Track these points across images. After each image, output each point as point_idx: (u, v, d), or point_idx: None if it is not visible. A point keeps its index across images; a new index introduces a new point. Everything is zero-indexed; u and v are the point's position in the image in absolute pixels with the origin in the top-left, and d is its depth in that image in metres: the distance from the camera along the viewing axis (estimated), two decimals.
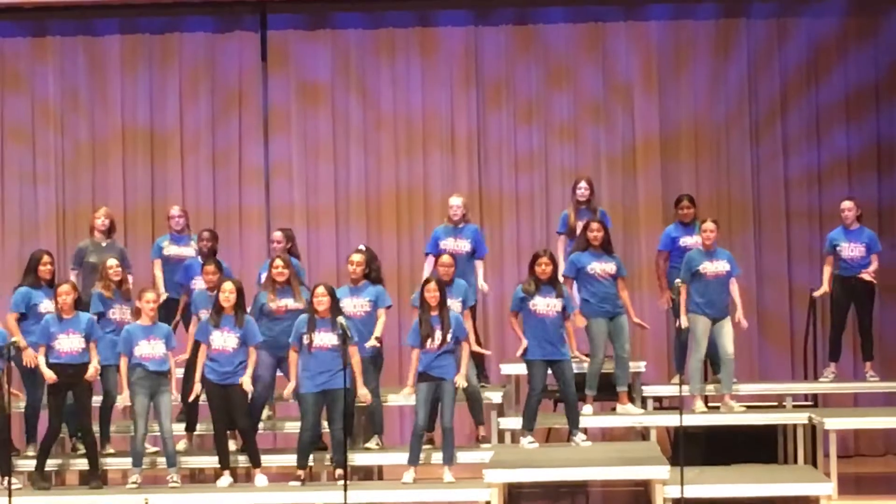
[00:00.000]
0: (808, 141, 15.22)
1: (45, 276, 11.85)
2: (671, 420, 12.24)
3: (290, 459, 11.35)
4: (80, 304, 11.39)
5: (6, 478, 10.96)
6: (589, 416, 12.10)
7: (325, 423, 11.33)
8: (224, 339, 11.18)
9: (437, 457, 11.17)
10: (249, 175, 15.48)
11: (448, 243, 12.47)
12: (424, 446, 11.25)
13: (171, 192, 15.30)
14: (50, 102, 15.54)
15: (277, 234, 12.50)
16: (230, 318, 11.19)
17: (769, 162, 15.24)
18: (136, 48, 15.52)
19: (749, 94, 15.26)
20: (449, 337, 11.02)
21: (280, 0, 15.43)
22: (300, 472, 11.15)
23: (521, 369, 12.18)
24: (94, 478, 11.27)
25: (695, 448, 11.91)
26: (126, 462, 11.43)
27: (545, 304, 11.51)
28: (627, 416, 12.24)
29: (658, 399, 12.93)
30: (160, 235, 13.39)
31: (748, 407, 12.47)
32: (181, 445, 11.90)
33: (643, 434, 12.35)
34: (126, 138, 15.49)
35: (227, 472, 11.26)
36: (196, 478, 12.39)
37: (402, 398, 11.50)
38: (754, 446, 12.23)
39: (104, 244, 12.53)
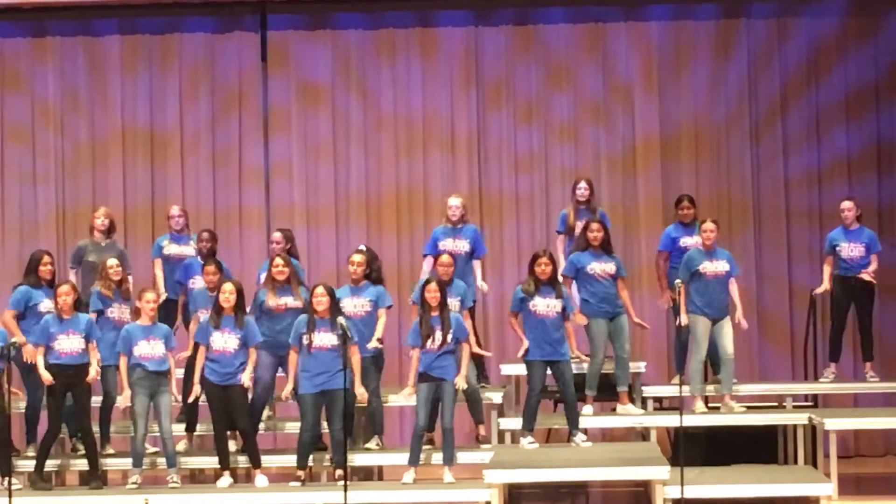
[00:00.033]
0: (808, 141, 15.23)
1: (45, 277, 11.86)
2: (671, 420, 12.24)
3: (291, 460, 11.35)
4: (79, 306, 11.39)
5: (6, 478, 10.96)
6: (589, 417, 12.10)
7: (325, 424, 11.33)
8: (225, 341, 11.18)
9: (438, 457, 11.17)
10: (249, 175, 15.48)
11: (447, 244, 12.47)
12: (424, 447, 11.25)
13: (171, 192, 15.29)
14: (50, 103, 15.54)
15: (277, 235, 12.50)
16: (230, 318, 11.20)
17: (769, 162, 15.24)
18: (136, 48, 15.52)
19: (749, 94, 15.27)
20: (449, 337, 11.02)
21: (280, 0, 15.42)
22: (300, 473, 11.15)
23: (520, 370, 12.18)
24: (94, 478, 11.27)
25: (695, 448, 11.91)
26: (126, 462, 11.43)
27: (545, 305, 11.51)
28: (627, 416, 12.24)
29: (658, 399, 12.93)
30: (160, 236, 13.38)
31: (748, 407, 12.46)
32: (181, 446, 11.90)
33: (643, 434, 12.36)
34: (126, 139, 15.49)
35: (227, 473, 11.26)
36: (196, 478, 12.39)
37: (403, 398, 11.49)
38: (754, 447, 12.23)
39: (104, 244, 12.53)
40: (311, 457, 11.22)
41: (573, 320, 11.77)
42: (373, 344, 11.53)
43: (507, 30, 15.44)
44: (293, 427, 11.63)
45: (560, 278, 11.86)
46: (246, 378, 11.18)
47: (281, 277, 11.60)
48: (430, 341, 11.01)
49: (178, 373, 11.74)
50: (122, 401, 11.35)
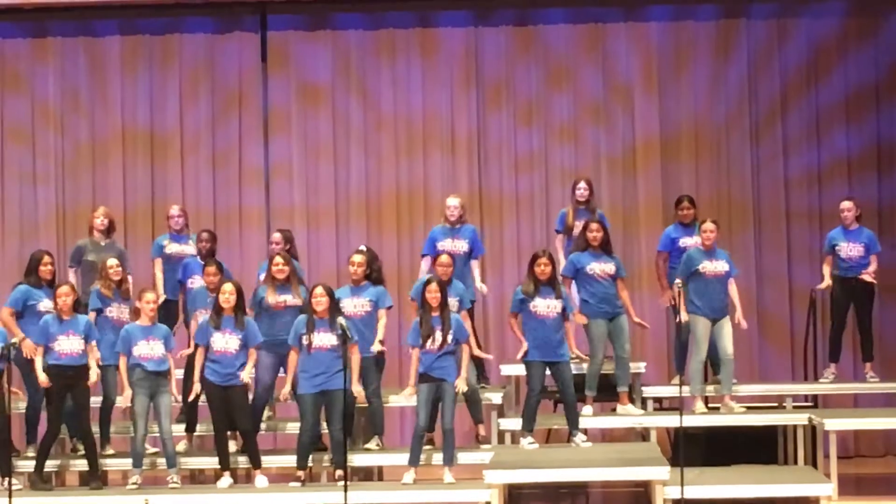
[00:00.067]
0: (808, 141, 15.23)
1: (45, 277, 11.86)
2: (671, 421, 12.24)
3: (291, 460, 11.35)
4: (77, 306, 11.39)
5: (6, 479, 10.96)
6: (589, 417, 12.09)
7: (325, 424, 11.34)
8: (226, 341, 11.18)
9: (438, 458, 11.17)
10: (249, 176, 15.49)
11: (446, 244, 12.47)
12: (425, 447, 11.25)
13: (171, 192, 15.30)
14: (50, 103, 15.55)
15: (276, 236, 12.50)
16: (230, 319, 11.20)
17: (769, 162, 15.24)
18: (137, 49, 15.52)
19: (749, 94, 15.27)
20: (449, 338, 11.02)
21: (280, 1, 15.43)
22: (300, 473, 11.15)
23: (520, 370, 12.18)
24: (94, 478, 11.27)
25: (695, 449, 11.91)
26: (126, 463, 11.43)
27: (545, 306, 11.51)
28: (627, 416, 12.24)
29: (658, 400, 12.94)
30: (159, 236, 13.38)
31: (748, 408, 12.46)
32: (181, 446, 11.90)
33: (643, 435, 12.36)
34: (126, 139, 15.50)
35: (227, 473, 11.26)
36: (196, 479, 12.39)
37: (404, 399, 11.49)
38: (754, 447, 12.23)
39: (103, 243, 12.53)
40: (310, 457, 11.22)
41: (573, 320, 11.77)
42: (376, 347, 11.53)
43: (507, 30, 15.44)
44: (293, 427, 11.64)
45: (560, 278, 11.87)
46: (246, 375, 11.19)
47: (281, 276, 11.61)
48: (430, 341, 11.01)
49: (178, 373, 11.74)
50: (123, 401, 11.35)
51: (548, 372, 11.61)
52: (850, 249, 12.86)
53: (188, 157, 15.53)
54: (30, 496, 11.03)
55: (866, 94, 15.19)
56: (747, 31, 15.32)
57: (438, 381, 11.02)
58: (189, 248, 12.68)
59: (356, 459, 11.52)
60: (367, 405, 11.69)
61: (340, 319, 11.01)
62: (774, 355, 15.03)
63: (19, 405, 11.91)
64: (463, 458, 11.34)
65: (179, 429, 11.97)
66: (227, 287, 11.25)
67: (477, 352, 11.87)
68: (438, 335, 11.00)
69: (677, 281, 11.75)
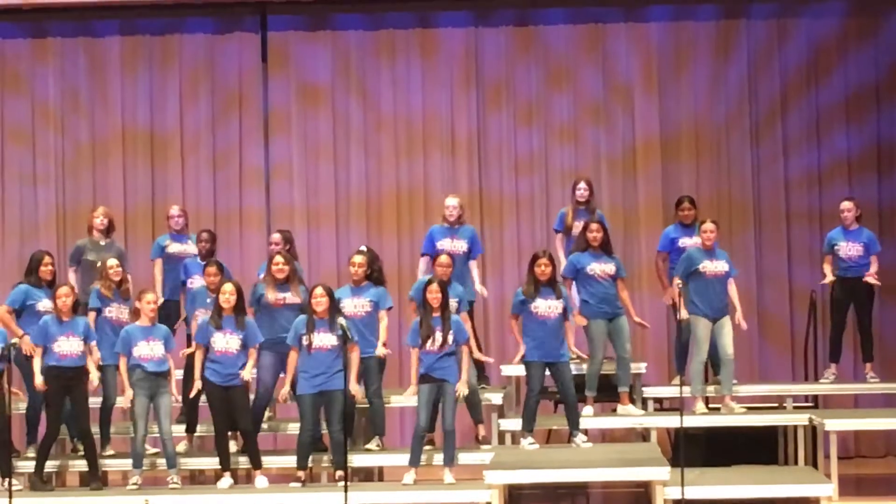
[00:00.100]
0: (808, 142, 15.23)
1: (45, 277, 11.87)
2: (671, 421, 12.24)
3: (291, 461, 11.35)
4: (76, 308, 11.38)
5: (6, 479, 10.97)
6: (589, 418, 12.09)
7: (325, 425, 11.33)
8: (226, 342, 11.18)
9: (438, 458, 11.17)
10: (250, 176, 15.49)
11: (445, 243, 12.47)
12: (425, 448, 11.24)
13: (172, 193, 15.30)
14: (50, 103, 15.55)
15: (276, 236, 12.49)
16: (231, 319, 11.20)
17: (769, 163, 15.24)
18: (137, 49, 15.53)
19: (749, 94, 15.27)
20: (450, 339, 11.02)
21: (280, 1, 15.42)
22: (300, 474, 11.15)
23: (521, 371, 12.17)
24: (94, 479, 11.27)
25: (695, 449, 11.90)
26: (126, 463, 11.43)
27: (546, 306, 11.51)
28: (628, 417, 12.24)
29: (658, 400, 12.93)
30: (160, 236, 13.38)
31: (748, 408, 12.46)
32: (181, 447, 11.90)
33: (643, 435, 12.36)
34: (126, 139, 15.50)
35: (227, 474, 11.26)
36: (196, 479, 12.38)
37: (406, 398, 11.47)
38: (755, 447, 12.23)
39: (103, 243, 12.54)
40: (311, 457, 11.22)
41: (572, 322, 11.76)
42: (382, 351, 11.53)
43: (507, 30, 15.44)
44: (294, 428, 11.63)
45: (560, 279, 11.87)
46: (247, 374, 11.20)
47: (281, 276, 11.61)
48: (429, 342, 11.01)
49: (178, 373, 11.74)
50: (124, 402, 11.34)
51: (547, 372, 11.60)
52: (849, 249, 12.86)
53: (188, 157, 15.53)
54: (30, 497, 11.03)
55: (866, 94, 15.19)
56: (747, 31, 15.31)
57: (439, 382, 11.02)
58: (191, 248, 12.69)
59: (356, 460, 11.52)
60: (367, 405, 11.69)
61: (341, 320, 11.01)
62: (775, 356, 15.03)
63: (19, 406, 11.90)
64: (463, 458, 11.34)
65: (180, 429, 11.97)
66: (228, 287, 11.26)
67: (477, 354, 11.86)
68: (438, 336, 11.00)
69: (677, 281, 11.75)
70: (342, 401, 11.00)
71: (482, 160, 15.41)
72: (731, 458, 11.89)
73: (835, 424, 11.52)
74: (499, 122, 15.43)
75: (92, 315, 11.63)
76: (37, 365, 11.21)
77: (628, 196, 15.27)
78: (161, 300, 12.15)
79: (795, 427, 12.12)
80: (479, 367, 12.21)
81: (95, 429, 11.63)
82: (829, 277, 12.89)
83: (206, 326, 11.25)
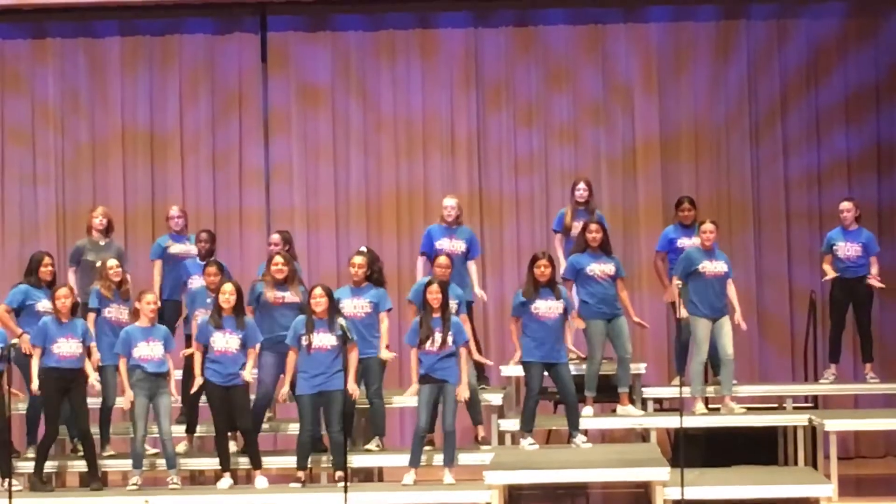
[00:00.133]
0: (808, 142, 15.22)
1: (45, 278, 11.88)
2: (671, 422, 12.24)
3: (291, 461, 11.35)
4: (75, 310, 11.39)
5: (6, 480, 10.97)
6: (589, 418, 12.09)
7: (325, 425, 11.34)
8: (226, 341, 11.18)
9: (438, 459, 11.17)
10: (249, 176, 15.49)
11: (444, 243, 12.48)
12: (425, 448, 11.24)
13: (171, 193, 15.30)
14: (50, 104, 15.55)
15: (275, 237, 12.49)
16: (231, 319, 11.20)
17: (769, 163, 15.24)
18: (136, 50, 15.53)
19: (749, 95, 15.27)
20: (449, 340, 11.02)
21: (280, 2, 15.42)
22: (300, 474, 11.15)
23: (521, 371, 12.15)
24: (94, 479, 11.27)
25: (695, 450, 11.90)
26: (126, 464, 11.44)
27: (547, 307, 11.50)
28: (628, 417, 12.24)
29: (658, 401, 12.93)
30: (160, 237, 13.39)
31: (748, 408, 12.45)
32: (181, 447, 11.91)
33: (643, 436, 12.36)
34: (126, 140, 15.50)
35: (227, 474, 11.27)
36: (196, 479, 12.38)
37: (408, 398, 11.45)
38: (754, 448, 12.23)
39: (102, 243, 12.54)
40: (310, 458, 11.22)
41: (570, 324, 11.73)
42: (386, 355, 11.52)
43: (506, 31, 15.44)
44: (294, 428, 11.63)
45: (560, 280, 11.87)
46: (247, 374, 11.20)
47: (280, 276, 11.61)
48: (428, 342, 11.01)
49: (177, 374, 11.74)
50: (124, 403, 11.33)
51: (546, 373, 11.60)
52: (847, 249, 12.86)
53: (188, 157, 15.53)
54: (30, 497, 11.04)
55: (866, 94, 15.19)
56: (747, 31, 15.31)
57: (440, 383, 11.02)
58: (191, 249, 12.69)
59: (356, 460, 11.52)
60: (366, 406, 11.69)
61: (341, 320, 11.01)
62: (774, 356, 15.03)
63: (19, 406, 11.90)
64: (463, 458, 11.34)
65: (180, 430, 11.97)
66: (228, 287, 11.26)
67: (477, 356, 11.85)
68: (438, 336, 11.00)
69: (677, 281, 11.75)
70: (341, 401, 11.01)
71: (482, 160, 15.41)
72: (731, 458, 11.89)
73: (834, 425, 11.53)
74: (499, 122, 15.43)
75: (92, 316, 11.63)
76: (34, 367, 11.21)
77: (628, 196, 15.27)
78: (157, 304, 12.15)
79: (795, 427, 12.12)
80: (479, 368, 12.21)
81: (95, 429, 11.63)
82: (831, 274, 12.87)
83: (206, 326, 11.25)
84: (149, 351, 11.20)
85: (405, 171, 15.43)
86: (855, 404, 14.19)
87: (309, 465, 11.25)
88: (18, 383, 11.84)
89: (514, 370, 12.55)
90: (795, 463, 12.07)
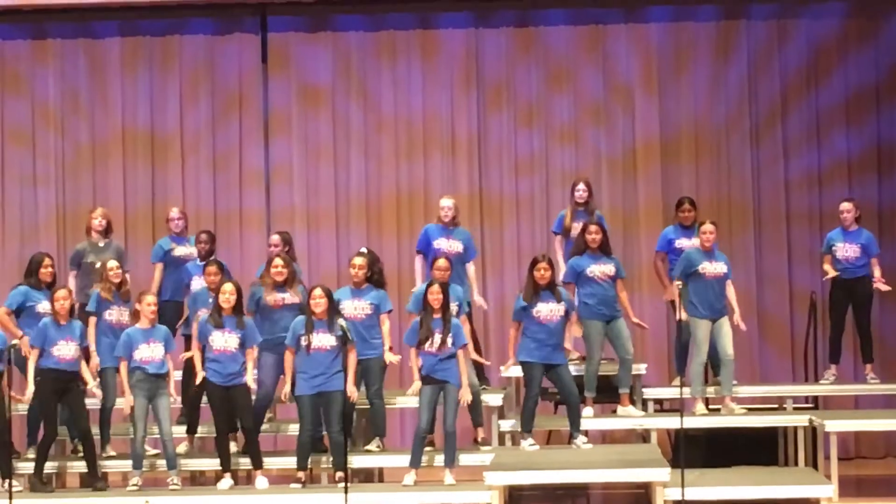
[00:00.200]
0: (808, 143, 15.22)
1: (45, 279, 11.87)
2: (672, 422, 12.24)
3: (291, 462, 11.35)
4: (73, 311, 11.38)
5: (6, 480, 10.97)
6: (589, 419, 12.08)
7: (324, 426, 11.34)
8: (225, 340, 11.18)
9: (439, 459, 11.17)
10: (250, 177, 15.49)
11: (441, 243, 12.48)
12: (426, 449, 11.24)
13: (172, 194, 15.30)
14: (50, 104, 15.54)
15: (275, 238, 12.48)
16: (231, 319, 11.21)
17: (769, 164, 15.24)
18: (137, 50, 15.52)
19: (749, 96, 15.27)
20: (449, 341, 11.02)
21: (280, 2, 15.42)
22: (300, 475, 11.15)
23: (521, 372, 12.15)
24: (95, 479, 11.27)
25: (695, 450, 11.90)
26: (126, 464, 11.44)
27: (548, 311, 11.49)
28: (628, 418, 12.23)
29: (659, 401, 12.93)
30: (160, 237, 13.39)
31: (749, 409, 12.45)
32: (182, 448, 11.90)
33: (644, 436, 12.35)
34: (126, 140, 15.50)
35: (227, 475, 11.27)
36: (196, 480, 12.38)
37: (410, 397, 11.43)
38: (755, 448, 12.22)
39: (101, 244, 12.55)
40: (311, 458, 11.22)
41: (569, 327, 11.71)
42: (391, 357, 11.52)
43: (507, 31, 15.44)
44: (294, 429, 11.63)
45: (559, 282, 11.86)
46: (249, 380, 11.19)
47: (280, 278, 11.61)
48: (428, 343, 11.01)
49: (177, 374, 11.74)
50: (124, 406, 11.32)
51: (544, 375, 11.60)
52: (846, 250, 12.86)
53: (188, 158, 15.53)
54: (30, 498, 11.04)
55: (866, 95, 15.19)
56: (747, 32, 15.31)
57: (441, 384, 11.02)
58: (193, 251, 12.67)
59: (357, 461, 11.52)
60: (366, 406, 11.69)
61: (341, 321, 11.01)
62: (775, 357, 15.03)
63: (18, 408, 11.89)
64: (464, 459, 11.34)
65: (180, 430, 11.97)
66: (228, 287, 11.27)
67: (474, 356, 11.84)
68: (437, 337, 11.00)
69: (677, 282, 11.74)
70: (341, 402, 11.01)
71: (482, 161, 15.41)
72: (732, 459, 11.88)
73: (835, 425, 11.53)
74: (499, 123, 15.43)
75: (93, 320, 11.63)
76: (31, 368, 11.20)
77: (628, 197, 15.27)
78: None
79: (795, 428, 12.12)
80: (478, 368, 12.20)
81: (95, 429, 11.63)
82: (831, 273, 12.85)
83: (205, 325, 11.25)
84: (149, 352, 11.20)
85: (405, 172, 15.42)
86: (855, 405, 14.20)
87: (309, 466, 11.25)
88: (18, 384, 11.83)
89: (514, 371, 12.54)
90: (796, 463, 12.07)
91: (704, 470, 11.31)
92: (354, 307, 11.57)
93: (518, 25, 15.42)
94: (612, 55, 15.39)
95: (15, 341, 11.23)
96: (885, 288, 12.81)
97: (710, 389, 12.50)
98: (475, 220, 15.02)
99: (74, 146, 15.53)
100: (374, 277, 11.73)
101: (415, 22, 15.48)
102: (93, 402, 11.67)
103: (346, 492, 10.39)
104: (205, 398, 11.46)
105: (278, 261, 11.69)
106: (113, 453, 11.86)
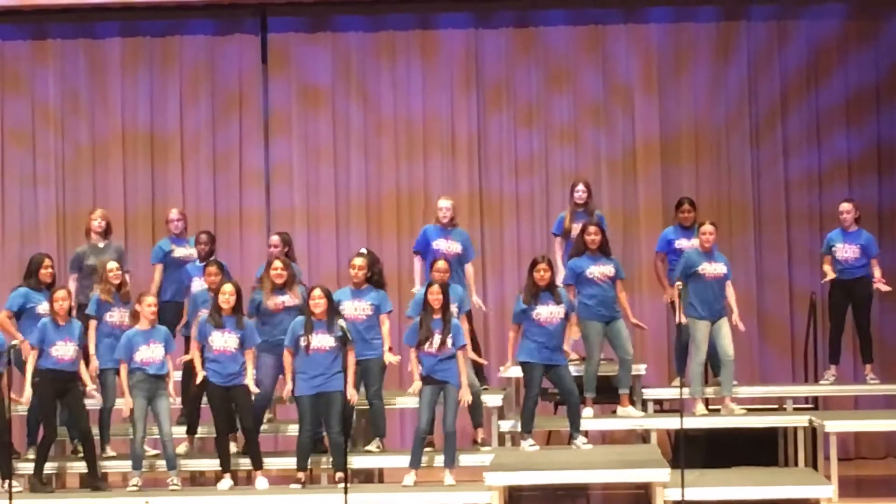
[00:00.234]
0: (808, 143, 15.22)
1: (45, 280, 11.87)
2: (672, 423, 12.23)
3: (291, 462, 11.35)
4: (71, 312, 11.38)
5: (6, 481, 10.97)
6: (589, 419, 12.08)
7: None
8: (225, 340, 11.18)
9: (439, 460, 11.17)
10: (250, 178, 15.48)
11: (440, 244, 12.48)
12: (425, 449, 11.24)
13: (172, 194, 15.30)
14: (50, 105, 15.54)
15: (274, 239, 12.48)
16: (231, 319, 11.21)
17: (769, 164, 15.24)
18: (137, 51, 15.52)
19: (749, 96, 15.27)
20: (449, 341, 11.02)
21: (280, 3, 15.42)
22: (300, 475, 11.15)
23: (520, 372, 12.15)
24: (96, 479, 11.27)
25: (695, 451, 11.90)
26: (126, 465, 11.44)
27: (548, 313, 11.49)
28: (628, 418, 12.23)
29: (658, 402, 12.93)
30: (160, 238, 13.39)
31: (749, 409, 12.45)
32: (182, 448, 11.90)
33: (644, 437, 12.35)
34: (126, 141, 15.50)
35: (227, 475, 11.27)
36: (196, 481, 12.38)
37: (411, 396, 11.42)
38: (755, 449, 12.22)
39: (101, 245, 12.55)
40: (310, 459, 11.22)
41: (569, 330, 11.70)
42: (390, 358, 11.52)
43: (507, 32, 15.44)
44: (294, 429, 11.62)
45: (559, 283, 11.86)
46: (250, 383, 11.19)
47: (279, 281, 11.61)
48: (427, 344, 11.01)
49: (176, 374, 11.74)
50: (124, 408, 11.32)
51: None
52: (845, 251, 12.86)
53: (188, 159, 15.53)
54: (29, 498, 11.04)
55: (866, 95, 15.19)
56: (747, 32, 15.31)
57: (441, 384, 11.02)
58: (193, 252, 12.67)
59: (357, 461, 11.52)
60: (366, 406, 11.69)
61: (341, 322, 11.01)
62: (775, 357, 15.03)
63: (18, 408, 11.89)
64: (463, 460, 11.34)
65: (180, 431, 11.97)
66: (227, 288, 11.27)
67: (472, 354, 11.84)
68: (437, 338, 11.00)
69: (677, 283, 11.74)
70: (341, 402, 11.01)
71: (482, 162, 15.41)
72: (731, 459, 11.89)
73: (835, 426, 11.53)
74: (499, 123, 15.43)
75: (93, 323, 11.62)
76: (29, 369, 11.20)
77: (628, 198, 15.27)
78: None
79: (795, 428, 12.12)
80: (478, 369, 12.20)
81: (95, 430, 11.63)
82: (830, 275, 12.86)
83: (205, 325, 11.25)
84: (150, 354, 11.20)
85: (405, 172, 15.42)
86: (855, 405, 14.20)
87: (309, 466, 11.25)
88: (18, 386, 11.83)
89: (513, 371, 12.54)
90: (796, 464, 12.07)
91: (704, 470, 11.31)
92: (355, 308, 11.57)
93: (518, 26, 15.42)
94: (611, 56, 15.39)
95: (15, 342, 11.23)
96: (885, 288, 12.81)
97: (710, 390, 12.50)
98: (475, 221, 15.02)
99: (74, 146, 15.53)
100: (374, 278, 11.72)
101: (415, 22, 15.48)
102: (92, 403, 11.67)
103: (346, 492, 10.39)
104: (205, 398, 11.46)
105: (277, 263, 11.68)
106: (113, 454, 11.87)
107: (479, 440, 11.93)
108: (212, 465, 11.61)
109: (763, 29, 15.32)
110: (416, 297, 11.68)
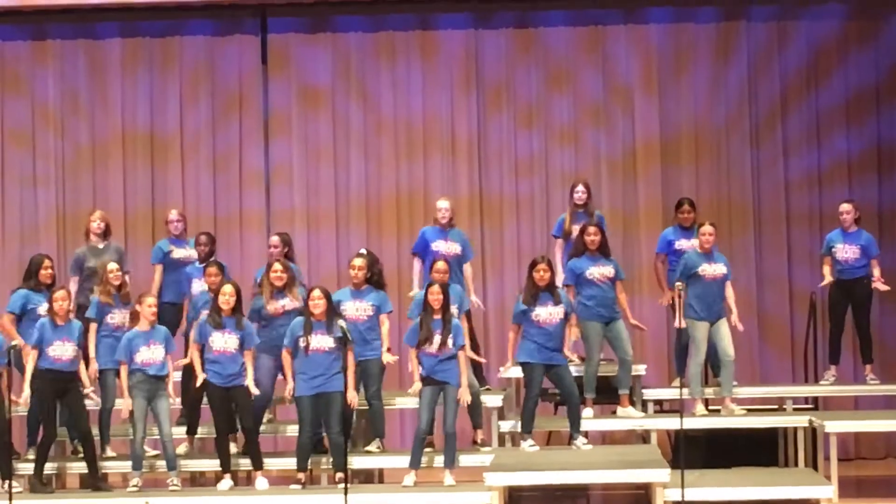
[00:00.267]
0: (808, 144, 15.22)
1: (45, 281, 11.87)
2: (672, 423, 12.24)
3: (291, 462, 11.35)
4: (70, 313, 11.38)
5: (6, 481, 10.97)
6: (589, 420, 12.08)
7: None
8: (225, 341, 11.19)
9: (439, 460, 11.17)
10: (250, 178, 15.48)
11: (439, 245, 12.49)
12: (425, 450, 11.24)
13: (172, 195, 15.30)
14: (50, 105, 15.54)
15: (274, 239, 12.48)
16: (231, 319, 11.21)
17: (769, 165, 15.24)
18: (137, 51, 15.52)
19: (749, 97, 15.27)
20: (450, 342, 11.02)
21: (280, 3, 15.42)
22: (300, 476, 11.15)
23: (521, 373, 12.15)
24: (96, 479, 11.27)
25: (695, 451, 11.90)
26: (126, 465, 11.44)
27: (548, 314, 11.49)
28: (628, 419, 12.23)
29: (658, 402, 12.93)
30: (160, 239, 13.39)
31: (748, 410, 12.45)
32: (182, 449, 11.90)
33: (644, 437, 12.36)
34: (126, 141, 15.50)
35: (227, 475, 11.27)
36: (196, 481, 12.38)
37: (411, 397, 11.43)
38: (755, 449, 12.23)
39: (101, 246, 12.55)
40: (311, 459, 11.22)
41: (568, 331, 11.70)
42: (388, 358, 11.52)
43: (507, 32, 15.44)
44: (294, 430, 11.62)
45: (559, 284, 11.86)
46: (250, 385, 11.19)
47: (279, 283, 11.61)
48: (427, 344, 11.01)
49: (176, 375, 11.74)
50: (124, 410, 11.32)
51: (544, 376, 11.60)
52: (845, 252, 12.86)
53: (188, 159, 15.53)
54: (29, 499, 11.05)
55: (866, 96, 15.19)
56: (747, 33, 15.31)
57: (442, 385, 11.02)
58: (193, 253, 12.67)
59: (357, 462, 11.52)
60: (366, 407, 11.69)
61: (341, 322, 11.01)
62: (775, 357, 15.03)
63: (18, 409, 11.88)
64: (463, 460, 11.35)
65: (180, 431, 11.97)
66: (227, 288, 11.27)
67: (471, 354, 11.83)
68: (437, 338, 11.00)
69: (678, 284, 11.73)
70: (341, 402, 11.01)
71: (482, 162, 15.41)
72: (731, 459, 11.89)
73: (835, 426, 11.53)
74: (499, 124, 15.43)
75: (93, 326, 11.62)
76: (28, 370, 11.20)
77: (628, 198, 15.27)
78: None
79: (795, 429, 12.12)
80: (478, 369, 12.20)
81: (95, 430, 11.63)
82: (828, 279, 12.88)
83: (205, 325, 11.25)
84: (150, 354, 11.20)
85: (405, 173, 15.42)
86: (855, 406, 14.21)
87: (309, 467, 11.25)
88: (18, 386, 11.82)
89: (513, 372, 12.54)
90: (796, 464, 12.07)
91: (704, 471, 11.31)
92: (356, 308, 11.57)
93: (518, 26, 15.42)
94: (611, 56, 15.39)
95: (15, 342, 11.23)
96: (884, 288, 12.82)
97: (710, 390, 12.50)
98: (475, 221, 15.03)
99: (74, 147, 15.53)
100: (374, 278, 11.72)
101: (414, 23, 15.48)
102: (90, 405, 11.65)
103: (345, 493, 10.38)
104: (205, 399, 11.46)
105: (277, 265, 11.67)
106: (113, 454, 11.87)
107: (479, 441, 11.93)
108: (212, 465, 11.62)
109: (763, 29, 15.32)
110: (417, 298, 11.68)
